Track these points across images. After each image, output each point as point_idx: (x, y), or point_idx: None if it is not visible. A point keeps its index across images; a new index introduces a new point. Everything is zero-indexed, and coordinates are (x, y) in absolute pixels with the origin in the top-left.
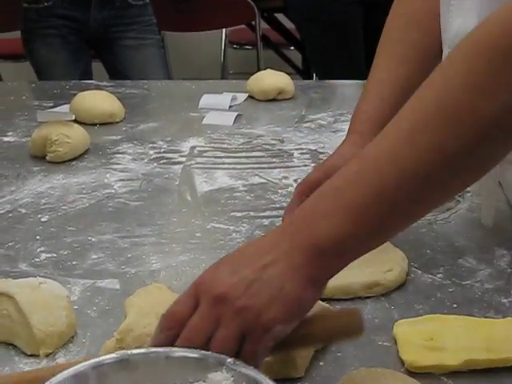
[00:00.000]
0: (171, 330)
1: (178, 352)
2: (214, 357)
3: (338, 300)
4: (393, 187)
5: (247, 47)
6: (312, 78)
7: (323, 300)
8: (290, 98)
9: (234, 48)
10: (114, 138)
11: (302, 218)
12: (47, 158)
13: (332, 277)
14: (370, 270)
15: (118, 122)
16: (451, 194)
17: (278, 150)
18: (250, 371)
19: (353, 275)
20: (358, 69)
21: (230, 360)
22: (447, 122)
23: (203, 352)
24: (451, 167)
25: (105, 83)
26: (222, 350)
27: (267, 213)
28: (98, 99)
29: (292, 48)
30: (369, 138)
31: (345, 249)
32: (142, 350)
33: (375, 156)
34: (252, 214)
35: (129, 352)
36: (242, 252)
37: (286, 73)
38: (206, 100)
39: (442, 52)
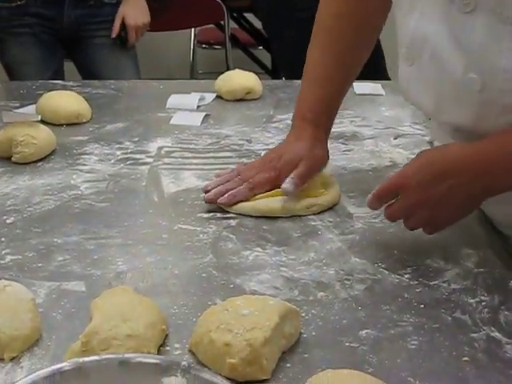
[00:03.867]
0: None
1: (132, 358)
2: (169, 361)
3: (281, 217)
4: None
5: (216, 47)
6: (281, 78)
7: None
8: (258, 98)
9: (203, 48)
10: (81, 138)
11: (479, 167)
12: (13, 159)
13: None
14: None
15: (84, 123)
16: None
17: (246, 150)
18: (205, 374)
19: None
20: None
21: (184, 363)
22: None
23: (158, 357)
24: None
25: (71, 83)
26: (398, 219)
27: (234, 214)
28: (65, 99)
29: (261, 48)
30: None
31: (507, 190)
32: (95, 358)
33: None
34: (219, 215)
35: (81, 360)
36: (431, 163)
37: (255, 73)
38: (174, 100)
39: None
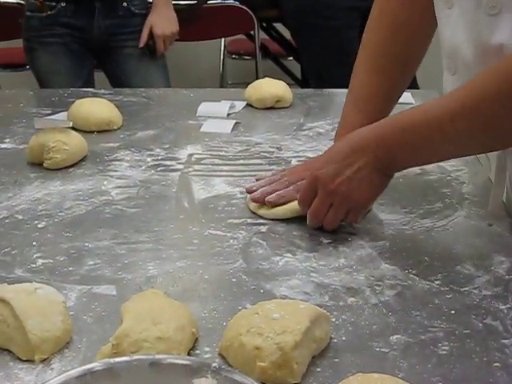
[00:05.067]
0: (306, 207)
1: (163, 359)
2: (199, 362)
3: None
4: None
5: (246, 57)
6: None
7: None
8: (288, 107)
9: (233, 58)
10: (112, 145)
11: (380, 143)
12: (44, 164)
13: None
14: None
15: (115, 130)
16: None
17: (276, 157)
18: (236, 375)
19: None
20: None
21: (215, 364)
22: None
23: (188, 358)
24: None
25: (102, 91)
26: (333, 222)
27: (264, 220)
28: (96, 107)
29: (291, 58)
30: None
31: (408, 165)
32: (126, 358)
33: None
34: (249, 221)
35: (112, 360)
36: (338, 151)
37: (285, 83)
38: (204, 108)
39: (419, 59)
